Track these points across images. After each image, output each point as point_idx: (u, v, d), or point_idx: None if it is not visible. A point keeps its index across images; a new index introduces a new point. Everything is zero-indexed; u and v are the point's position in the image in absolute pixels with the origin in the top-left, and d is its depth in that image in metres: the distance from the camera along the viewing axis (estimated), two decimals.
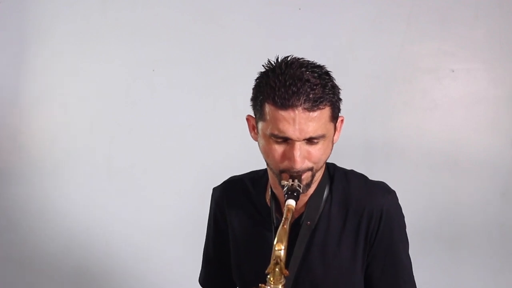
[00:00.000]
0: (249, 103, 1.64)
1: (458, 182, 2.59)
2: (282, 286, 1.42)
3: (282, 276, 1.40)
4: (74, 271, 2.70)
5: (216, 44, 2.64)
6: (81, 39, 2.69)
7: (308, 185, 1.51)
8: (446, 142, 2.59)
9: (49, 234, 2.70)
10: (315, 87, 1.44)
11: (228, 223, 1.70)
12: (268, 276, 1.41)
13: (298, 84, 1.43)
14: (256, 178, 1.70)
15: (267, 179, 1.65)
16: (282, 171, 1.49)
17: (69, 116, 2.70)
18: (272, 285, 1.42)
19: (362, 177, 1.64)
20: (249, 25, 2.63)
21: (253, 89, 1.53)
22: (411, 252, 1.62)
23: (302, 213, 1.57)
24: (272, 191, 1.61)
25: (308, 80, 1.44)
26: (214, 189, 1.76)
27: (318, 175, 1.56)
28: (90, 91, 2.70)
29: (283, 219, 1.42)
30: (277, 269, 1.39)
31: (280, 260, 1.38)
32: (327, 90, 1.46)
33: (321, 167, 1.54)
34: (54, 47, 2.69)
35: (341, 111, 1.61)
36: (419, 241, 2.64)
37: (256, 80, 1.52)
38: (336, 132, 1.56)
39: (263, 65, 1.51)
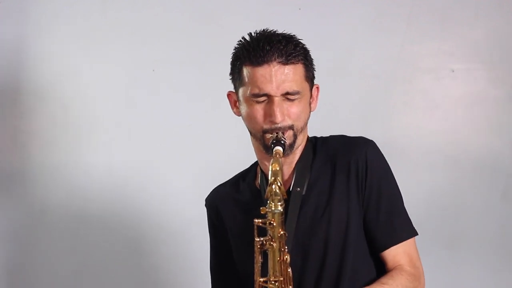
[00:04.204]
0: None
1: (458, 182, 2.59)
2: (280, 206, 1.48)
3: (281, 197, 1.47)
4: (75, 271, 2.70)
5: (216, 44, 2.64)
6: (81, 39, 2.69)
7: (291, 146, 1.58)
8: (446, 142, 2.59)
9: (49, 234, 2.70)
10: (287, 44, 1.56)
11: (225, 222, 1.71)
12: (268, 201, 1.48)
13: (271, 43, 1.55)
14: (245, 172, 1.76)
15: (255, 170, 1.71)
16: (265, 131, 1.56)
17: (69, 116, 2.70)
18: (273, 207, 1.48)
19: (341, 135, 1.71)
20: (249, 25, 2.60)
21: (231, 62, 1.64)
22: None
23: (291, 182, 1.62)
24: (261, 170, 1.66)
25: (279, 40, 1.57)
26: (206, 199, 1.80)
27: (301, 140, 1.62)
28: (90, 91, 2.69)
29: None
30: (276, 189, 1.45)
31: (277, 178, 1.45)
32: (299, 49, 1.58)
33: (302, 128, 1.60)
34: (54, 47, 2.69)
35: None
36: (419, 241, 2.63)
37: (232, 54, 1.64)
38: (313, 100, 1.65)
39: (237, 42, 1.63)
